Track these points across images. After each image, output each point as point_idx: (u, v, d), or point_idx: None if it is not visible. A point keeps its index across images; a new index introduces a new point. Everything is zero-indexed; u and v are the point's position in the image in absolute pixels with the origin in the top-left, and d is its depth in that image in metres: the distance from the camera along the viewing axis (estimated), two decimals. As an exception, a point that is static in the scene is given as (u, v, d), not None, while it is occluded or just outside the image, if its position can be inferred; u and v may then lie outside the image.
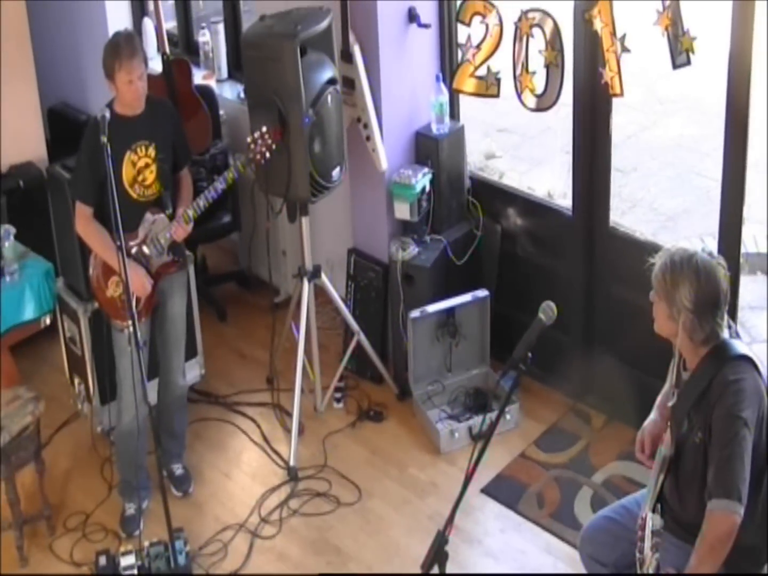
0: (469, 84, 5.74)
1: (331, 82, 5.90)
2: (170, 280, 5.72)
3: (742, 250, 5.64)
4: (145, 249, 5.56)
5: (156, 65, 7.11)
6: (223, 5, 7.73)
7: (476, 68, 5.67)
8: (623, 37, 5.14)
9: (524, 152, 9.15)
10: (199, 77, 7.50)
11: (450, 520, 4.04)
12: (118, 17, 7.69)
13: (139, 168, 5.47)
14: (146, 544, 5.43)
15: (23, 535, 5.69)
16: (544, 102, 5.56)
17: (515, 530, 5.74)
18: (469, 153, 6.68)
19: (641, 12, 5.14)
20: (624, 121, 8.31)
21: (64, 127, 7.76)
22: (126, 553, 5.38)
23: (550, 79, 5.48)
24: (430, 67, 6.39)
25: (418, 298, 6.34)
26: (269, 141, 5.59)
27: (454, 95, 6.39)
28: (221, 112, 7.32)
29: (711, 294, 4.09)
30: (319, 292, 6.45)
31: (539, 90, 5.53)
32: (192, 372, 6.52)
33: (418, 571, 4.07)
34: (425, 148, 6.42)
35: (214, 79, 7.66)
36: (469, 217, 6.60)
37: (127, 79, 5.29)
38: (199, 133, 6.81)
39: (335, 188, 6.08)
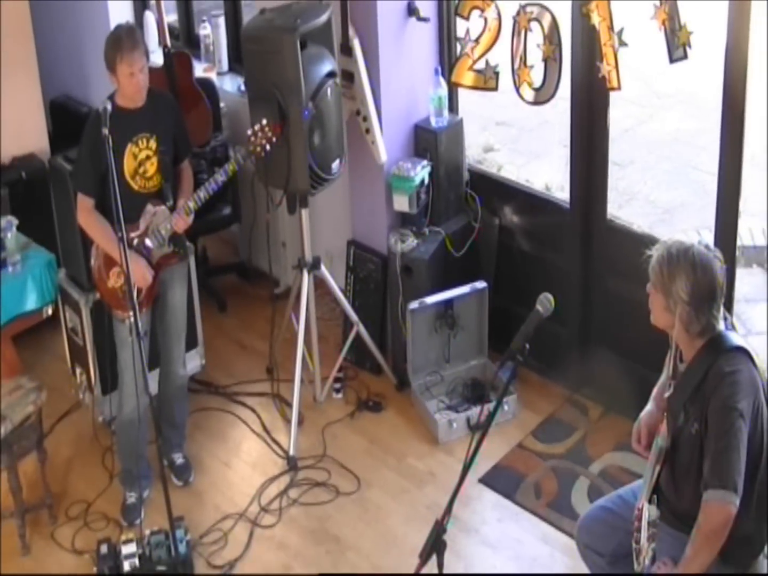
0: (467, 77, 5.75)
1: (331, 75, 5.91)
2: (171, 271, 5.74)
3: (738, 243, 5.64)
4: (147, 240, 5.57)
5: (157, 58, 7.10)
6: (224, -1, 7.75)
7: (475, 62, 5.68)
8: (620, 31, 5.15)
9: (522, 145, 9.15)
10: (199, 70, 7.50)
11: (448, 510, 4.05)
12: (119, 10, 7.70)
13: (140, 160, 5.49)
14: (147, 532, 5.45)
15: (25, 523, 5.71)
16: (542, 95, 5.57)
17: (512, 520, 5.76)
18: (467, 146, 6.68)
19: (638, 6, 5.14)
20: (621, 114, 8.30)
21: (66, 119, 7.76)
22: (127, 542, 5.40)
23: (548, 73, 5.49)
24: (429, 60, 6.40)
25: (417, 290, 6.35)
26: (269, 134, 5.61)
27: (452, 88, 6.40)
28: (222, 104, 7.32)
29: (707, 286, 4.10)
30: (319, 284, 6.48)
31: (537, 84, 5.54)
32: (192, 362, 6.53)
33: (417, 560, 4.07)
34: (424, 140, 6.43)
35: (215, 72, 7.66)
36: (468, 209, 6.62)
37: (129, 71, 5.31)
38: (199, 125, 6.82)
39: (335, 180, 6.10)
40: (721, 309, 4.21)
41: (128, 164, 5.46)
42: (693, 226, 7.73)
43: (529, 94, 5.60)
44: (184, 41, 8.05)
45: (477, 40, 5.64)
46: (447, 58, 6.42)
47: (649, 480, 4.37)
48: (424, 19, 6.23)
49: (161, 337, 5.87)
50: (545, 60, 5.48)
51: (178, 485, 6.04)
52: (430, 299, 6.32)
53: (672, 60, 5.09)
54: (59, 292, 6.38)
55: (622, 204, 8.06)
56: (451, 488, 4.10)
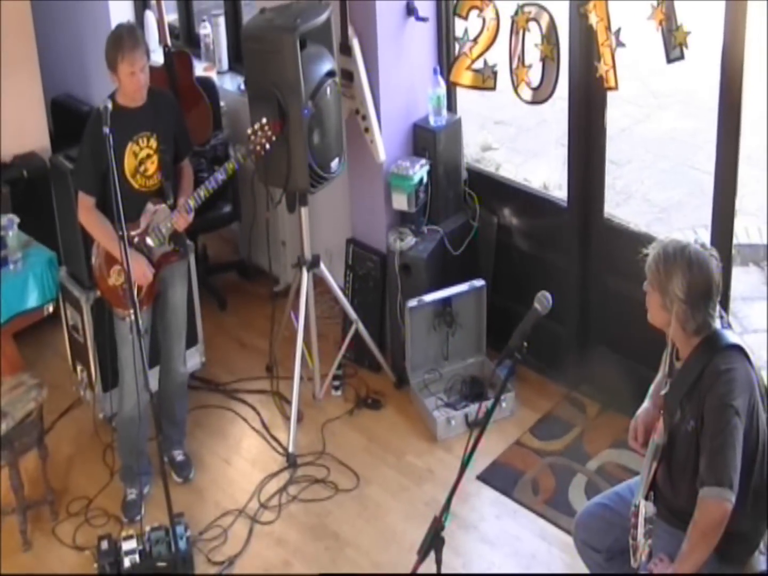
0: (466, 77, 5.76)
1: (330, 74, 5.93)
2: (171, 269, 5.76)
3: (735, 241, 5.65)
4: (147, 238, 5.59)
5: (158, 57, 7.09)
6: (224, -2, 7.76)
7: (473, 61, 5.68)
8: (618, 31, 5.17)
9: (520, 144, 9.17)
10: (200, 69, 7.52)
11: (446, 506, 4.07)
12: (120, 10, 7.72)
13: (140, 159, 5.50)
14: (147, 528, 5.46)
15: (27, 519, 5.73)
16: (540, 95, 5.59)
17: (510, 516, 5.77)
18: (465, 145, 6.69)
19: (636, 7, 5.16)
20: (618, 114, 8.35)
21: (67, 118, 7.77)
22: (127, 538, 5.41)
23: (546, 73, 5.51)
24: (428, 60, 6.42)
25: (416, 288, 6.37)
26: (269, 132, 5.62)
27: (451, 88, 6.41)
28: (222, 103, 7.33)
29: (703, 285, 4.12)
30: (318, 282, 6.48)
31: (535, 83, 5.55)
32: (192, 360, 6.55)
33: (415, 557, 4.09)
34: (423, 139, 6.45)
35: (215, 71, 7.67)
36: (466, 208, 6.64)
37: (129, 70, 5.32)
38: (200, 124, 6.84)
39: (334, 179, 6.12)
40: (717, 307, 4.23)
41: (129, 163, 5.47)
42: (690, 225, 7.76)
43: (527, 93, 5.61)
44: (185, 40, 8.06)
45: (475, 40, 5.65)
46: (445, 58, 6.43)
47: (646, 477, 4.38)
48: (423, 19, 6.24)
49: (161, 334, 5.88)
50: (543, 60, 5.49)
51: (178, 482, 6.06)
52: (429, 297, 6.33)
53: (669, 60, 5.10)
54: (60, 290, 6.39)
55: (620, 203, 8.09)
56: (450, 485, 4.11)
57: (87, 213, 5.54)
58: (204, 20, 7.79)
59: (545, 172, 8.17)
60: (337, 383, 6.63)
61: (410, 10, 6.22)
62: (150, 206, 5.58)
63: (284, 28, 5.67)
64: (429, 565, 4.10)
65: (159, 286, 5.72)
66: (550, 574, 5.46)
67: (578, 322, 6.37)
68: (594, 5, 5.22)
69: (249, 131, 5.66)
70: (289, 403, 6.31)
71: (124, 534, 5.47)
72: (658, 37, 5.07)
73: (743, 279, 7.32)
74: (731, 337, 4.23)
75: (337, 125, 6.05)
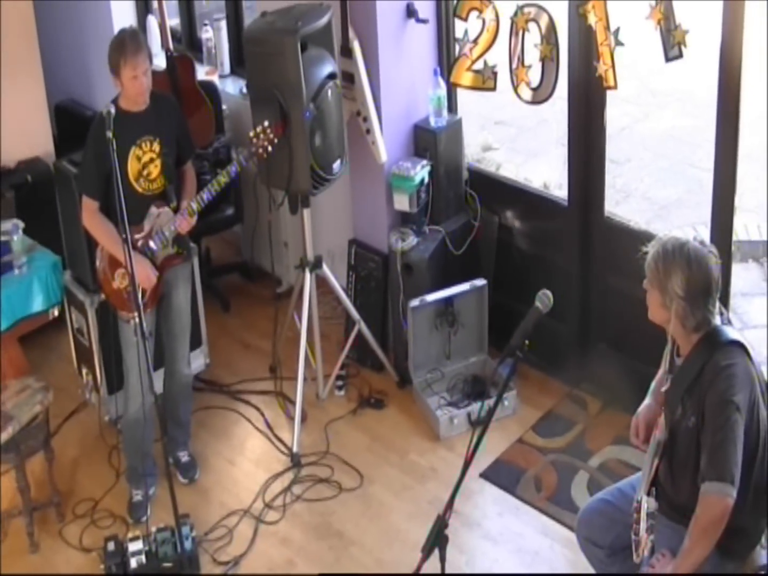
0: (466, 78, 5.77)
1: (331, 76, 5.95)
2: (175, 271, 5.78)
3: (734, 238, 5.67)
4: (151, 242, 5.61)
5: (160, 62, 7.09)
6: (226, 3, 7.77)
7: (473, 62, 5.70)
8: (617, 31, 5.18)
9: (521, 144, 9.19)
10: (202, 73, 7.55)
11: (449, 504, 4.08)
12: (123, 15, 7.74)
13: (144, 162, 5.52)
14: (153, 529, 5.48)
15: (33, 521, 5.75)
16: (540, 95, 5.61)
17: (513, 514, 5.79)
18: (466, 145, 6.71)
19: (634, 6, 5.18)
20: (618, 113, 8.36)
21: (71, 123, 7.81)
22: (134, 539, 5.42)
23: (546, 73, 5.53)
24: (428, 61, 6.44)
25: (418, 288, 6.39)
26: (271, 135, 5.64)
27: (451, 89, 6.43)
28: (224, 107, 7.36)
29: (702, 282, 4.13)
30: (321, 283, 6.51)
31: (535, 83, 5.57)
32: (197, 361, 6.57)
33: (419, 554, 4.09)
34: (424, 140, 6.47)
35: (217, 74, 7.69)
36: (467, 208, 6.65)
37: (132, 74, 5.34)
38: (202, 127, 6.86)
39: (336, 180, 6.13)
40: (717, 304, 4.23)
41: (132, 167, 5.49)
42: (689, 222, 7.77)
43: (526, 93, 5.63)
44: (187, 44, 8.09)
45: (475, 41, 5.66)
46: (446, 59, 6.45)
47: (648, 473, 4.39)
48: (423, 21, 6.27)
49: (166, 336, 5.90)
50: (543, 60, 5.51)
51: (183, 483, 6.08)
52: (431, 297, 6.35)
53: (668, 59, 5.12)
54: (65, 294, 6.41)
55: (620, 201, 8.11)
56: (453, 483, 4.12)
57: (91, 217, 5.56)
58: (206, 24, 7.81)
59: (545, 172, 8.20)
60: (340, 383, 6.66)
61: (410, 12, 6.24)
62: (153, 209, 5.60)
63: (285, 31, 5.68)
64: (433, 563, 4.11)
65: (163, 289, 5.74)
66: (552, 574, 5.47)
67: (579, 320, 6.39)
68: (593, 5, 5.23)
69: (251, 134, 5.68)
70: (293, 403, 6.33)
71: (130, 535, 5.48)
72: (656, 37, 5.08)
73: (743, 275, 7.35)
74: (731, 333, 4.24)
75: (339, 127, 6.07)
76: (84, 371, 6.54)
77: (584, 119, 5.97)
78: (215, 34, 7.72)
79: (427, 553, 4.09)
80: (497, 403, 4.20)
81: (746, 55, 5.25)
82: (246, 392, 6.74)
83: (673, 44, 5.07)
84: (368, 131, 6.33)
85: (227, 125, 7.38)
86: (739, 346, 4.22)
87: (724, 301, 5.30)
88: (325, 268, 6.38)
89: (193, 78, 7.06)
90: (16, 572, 5.65)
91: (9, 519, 5.84)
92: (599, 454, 6.06)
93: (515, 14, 5.50)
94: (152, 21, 7.85)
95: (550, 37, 5.46)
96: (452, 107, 6.60)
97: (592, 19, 5.27)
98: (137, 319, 5.02)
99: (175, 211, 5.64)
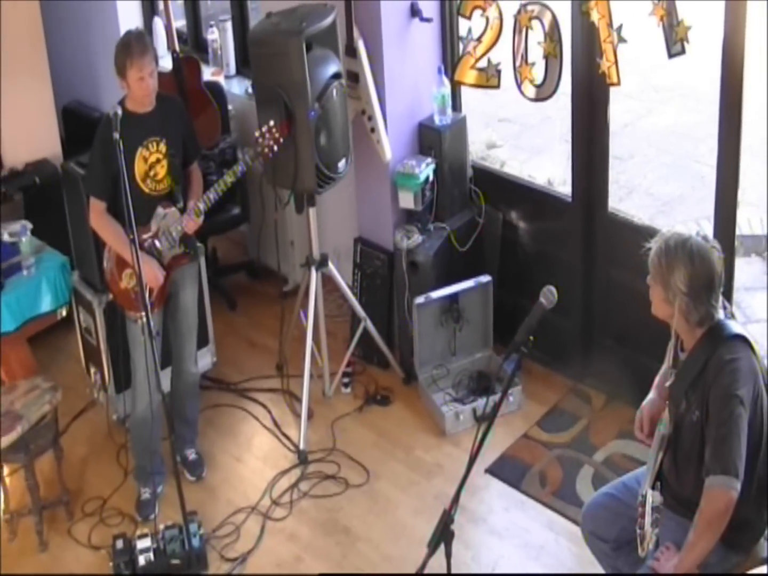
0: (470, 76, 5.77)
1: (336, 76, 5.96)
2: (182, 271, 5.80)
3: (737, 232, 5.68)
4: (158, 242, 5.63)
5: (166, 63, 7.16)
6: (231, 4, 7.79)
7: (477, 60, 5.70)
8: (619, 27, 5.19)
9: (524, 141, 9.20)
10: (208, 74, 7.57)
11: (455, 499, 4.10)
12: (129, 17, 7.76)
13: (150, 163, 5.55)
14: (161, 527, 5.51)
15: (42, 520, 5.78)
16: (544, 92, 5.61)
17: (519, 508, 5.81)
18: (470, 143, 6.73)
19: (637, 3, 5.19)
20: (621, 109, 8.36)
21: (78, 125, 7.80)
22: (142, 537, 5.46)
23: (549, 70, 5.53)
24: (432, 59, 6.46)
25: (423, 285, 6.41)
26: (276, 135, 5.65)
27: (455, 87, 6.46)
28: (230, 107, 7.38)
29: (705, 277, 4.15)
30: (327, 281, 6.52)
31: (538, 80, 5.57)
32: (204, 360, 6.59)
33: (425, 550, 4.13)
34: (428, 138, 6.49)
35: (223, 75, 7.71)
36: (472, 205, 6.67)
37: (138, 76, 5.36)
38: (208, 128, 6.88)
39: (341, 179, 6.15)
40: (720, 298, 4.25)
41: (139, 167, 5.51)
42: (692, 218, 7.78)
43: (530, 91, 5.63)
44: (193, 46, 8.11)
45: (479, 39, 5.66)
46: (450, 58, 6.47)
47: (652, 467, 4.41)
48: (427, 20, 6.28)
49: (173, 335, 5.93)
50: (546, 57, 5.51)
51: (191, 480, 6.10)
52: (436, 294, 6.38)
53: (670, 55, 5.12)
54: (73, 294, 6.43)
55: (623, 197, 8.11)
56: (459, 479, 4.14)
57: (98, 218, 5.58)
58: (211, 25, 7.83)
59: (549, 169, 8.21)
60: (346, 380, 6.67)
61: (414, 11, 6.26)
62: (160, 210, 5.62)
63: (290, 32, 5.70)
64: (439, 558, 4.13)
65: (170, 289, 5.76)
66: (553, 575, 5.48)
67: (583, 316, 6.41)
68: (596, 3, 5.23)
69: (257, 134, 5.69)
70: (300, 400, 6.35)
71: (138, 533, 5.52)
72: (659, 33, 5.09)
73: (746, 269, 7.36)
74: (735, 327, 4.25)
75: (344, 126, 6.09)
76: (92, 370, 6.56)
77: (587, 116, 5.99)
78: (221, 35, 7.73)
79: (432, 548, 4.10)
80: (502, 399, 4.20)
81: (748, 51, 5.25)
82: (253, 390, 6.76)
83: (675, 40, 5.07)
84: (373, 130, 6.34)
85: (233, 126, 7.40)
86: (743, 340, 4.23)
87: (727, 295, 5.31)
88: (331, 267, 6.40)
89: (199, 79, 7.07)
90: (26, 570, 5.68)
91: (18, 518, 5.87)
92: (604, 448, 6.08)
93: (518, 12, 5.50)
94: (158, 22, 7.88)
95: (553, 34, 5.46)
96: (456, 105, 6.62)
97: (595, 16, 5.27)
98: (144, 319, 5.03)
99: (182, 211, 5.66)
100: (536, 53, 5.55)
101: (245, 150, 5.76)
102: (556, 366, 6.57)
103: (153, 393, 5.45)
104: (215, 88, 7.27)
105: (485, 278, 6.45)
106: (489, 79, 5.76)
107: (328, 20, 5.90)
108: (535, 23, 5.49)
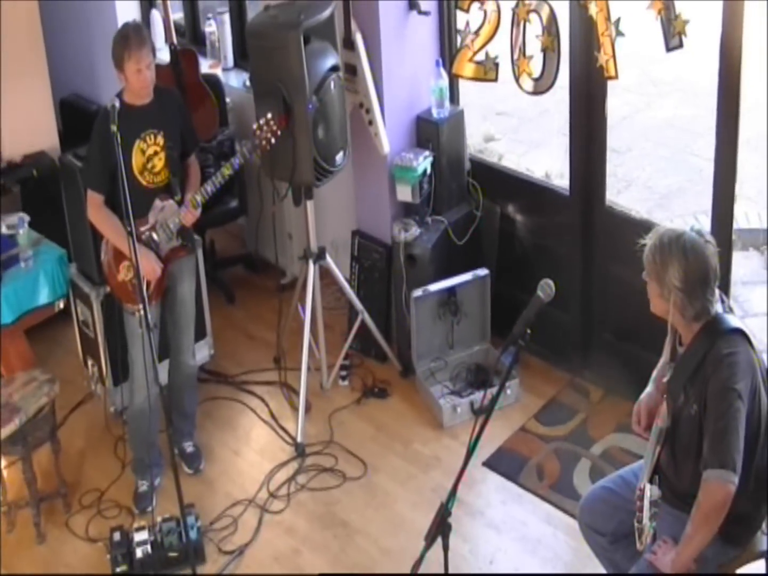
0: (468, 69, 5.79)
1: (334, 69, 5.96)
2: (180, 264, 5.81)
3: (735, 226, 5.67)
4: (155, 234, 5.64)
5: (164, 55, 7.15)
6: (229, -4, 7.79)
7: (475, 53, 5.71)
8: (617, 21, 5.19)
9: (522, 135, 9.21)
10: (205, 66, 7.55)
11: (452, 493, 4.10)
12: (127, 9, 7.74)
13: (148, 156, 5.55)
14: (159, 519, 5.53)
15: (40, 512, 5.79)
16: (541, 85, 5.61)
17: (516, 502, 5.82)
18: (468, 136, 6.73)
19: (635, -3, 5.21)
20: (619, 102, 8.36)
21: (76, 117, 7.81)
22: (139, 529, 5.50)
23: (547, 63, 5.53)
24: (430, 53, 6.45)
25: (420, 278, 6.41)
26: (274, 127, 5.65)
27: (453, 80, 6.46)
28: (227, 100, 7.37)
29: (699, 272, 4.13)
30: (324, 274, 6.52)
31: (536, 74, 5.57)
32: (201, 353, 6.60)
33: (423, 542, 4.12)
34: (426, 131, 6.49)
35: (221, 68, 7.71)
36: (470, 198, 6.67)
37: (136, 68, 5.36)
38: (206, 120, 6.88)
39: (339, 172, 6.15)
40: (716, 292, 4.24)
41: (136, 160, 5.52)
42: (690, 211, 7.79)
43: (528, 84, 5.63)
44: (190, 38, 8.10)
45: (477, 33, 5.68)
46: (448, 51, 6.47)
47: (650, 460, 4.40)
48: (425, 13, 6.28)
49: (171, 328, 5.93)
50: (544, 50, 5.52)
51: (188, 473, 6.10)
52: (434, 287, 6.38)
53: (668, 49, 5.11)
54: (71, 287, 6.43)
55: (621, 190, 8.12)
56: (456, 472, 4.13)
57: (96, 210, 5.58)
58: (209, 18, 7.82)
59: (547, 162, 8.21)
60: (344, 373, 6.68)
61: (412, 4, 6.26)
62: (158, 202, 5.62)
63: (288, 25, 5.70)
64: (436, 551, 4.13)
65: (167, 281, 5.77)
66: (553, 574, 5.48)
67: (581, 309, 6.41)
68: (594, -4, 5.25)
69: (254, 126, 5.69)
70: (297, 393, 6.35)
71: (135, 525, 5.56)
72: (657, 27, 5.08)
73: (743, 264, 7.36)
74: (733, 321, 4.25)
75: (342, 119, 6.08)
76: (89, 363, 6.57)
77: (585, 109, 5.98)
78: (218, 28, 7.72)
79: (430, 541, 4.10)
80: (500, 392, 4.19)
81: (746, 44, 5.24)
82: (250, 383, 6.77)
83: (673, 34, 5.06)
84: (371, 123, 6.35)
85: (231, 118, 7.39)
86: (741, 333, 4.23)
87: (725, 289, 5.30)
88: (329, 260, 6.40)
89: (196, 71, 7.07)
90: (24, 562, 5.68)
91: (16, 510, 5.88)
92: (601, 442, 6.08)
93: (516, 5, 5.51)
94: (156, 15, 7.85)
95: (551, 27, 5.46)
96: (454, 98, 6.62)
97: (592, 10, 5.27)
98: (142, 311, 5.02)
99: (180, 203, 5.66)
100: (534, 46, 5.55)
101: (243, 143, 5.76)
102: (554, 359, 6.58)
103: (150, 385, 5.41)
104: (213, 81, 7.27)
105: (483, 271, 6.45)
106: (487, 72, 5.77)
107: (326, 13, 5.90)
108: (533, 16, 5.49)
